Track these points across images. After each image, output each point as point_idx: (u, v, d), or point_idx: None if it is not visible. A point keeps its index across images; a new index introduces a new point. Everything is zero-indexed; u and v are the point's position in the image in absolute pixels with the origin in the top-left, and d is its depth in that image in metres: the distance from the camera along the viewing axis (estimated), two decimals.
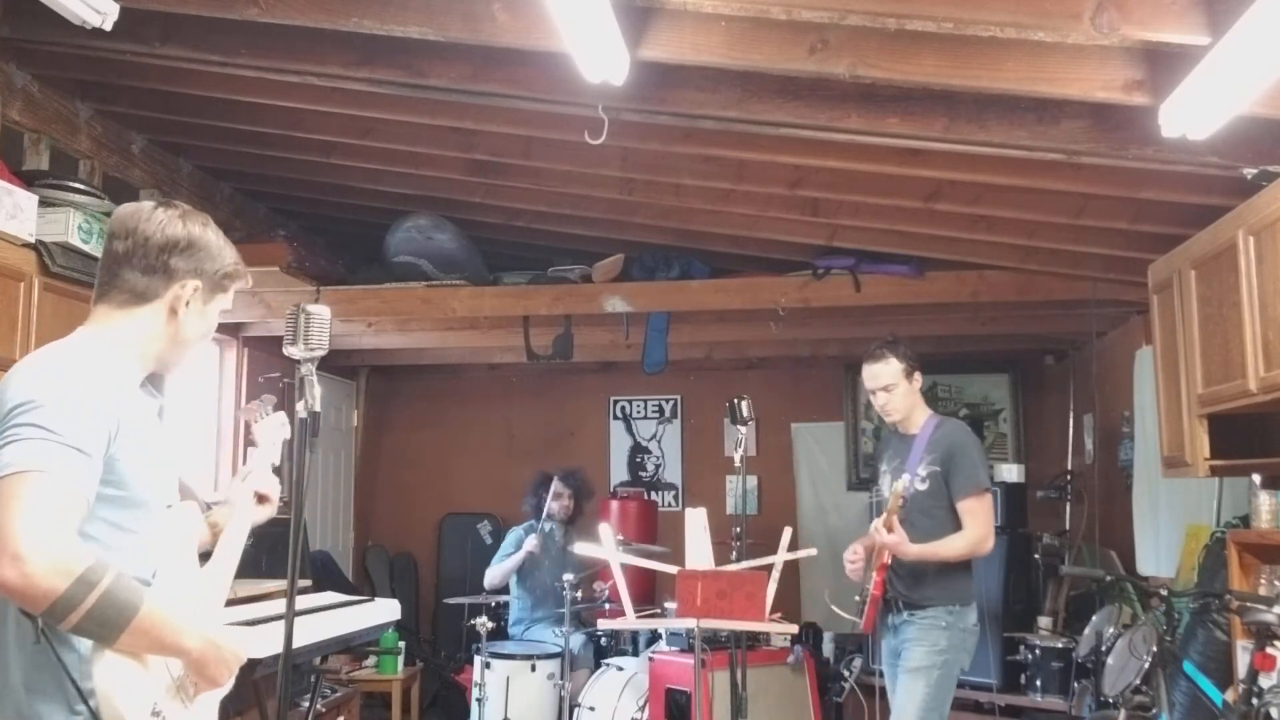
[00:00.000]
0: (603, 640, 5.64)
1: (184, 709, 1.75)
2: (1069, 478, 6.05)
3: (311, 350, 2.17)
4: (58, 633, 1.58)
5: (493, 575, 5.78)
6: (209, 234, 1.86)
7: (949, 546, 3.52)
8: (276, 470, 2.26)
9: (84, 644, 1.63)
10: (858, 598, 3.75)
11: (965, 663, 3.57)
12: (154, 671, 1.69)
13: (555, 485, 6.03)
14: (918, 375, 3.73)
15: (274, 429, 2.27)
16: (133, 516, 1.72)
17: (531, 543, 5.67)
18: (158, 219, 1.80)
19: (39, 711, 1.62)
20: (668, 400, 7.86)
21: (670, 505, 7.60)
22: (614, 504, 6.93)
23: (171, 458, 1.89)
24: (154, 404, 1.87)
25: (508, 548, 5.96)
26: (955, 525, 3.57)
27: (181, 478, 1.99)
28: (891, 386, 3.68)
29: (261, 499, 2.17)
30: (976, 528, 3.53)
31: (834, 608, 3.97)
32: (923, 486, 3.60)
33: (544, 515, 6.02)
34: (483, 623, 5.15)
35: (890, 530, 3.50)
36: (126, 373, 1.80)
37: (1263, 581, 3.56)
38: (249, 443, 2.30)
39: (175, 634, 1.66)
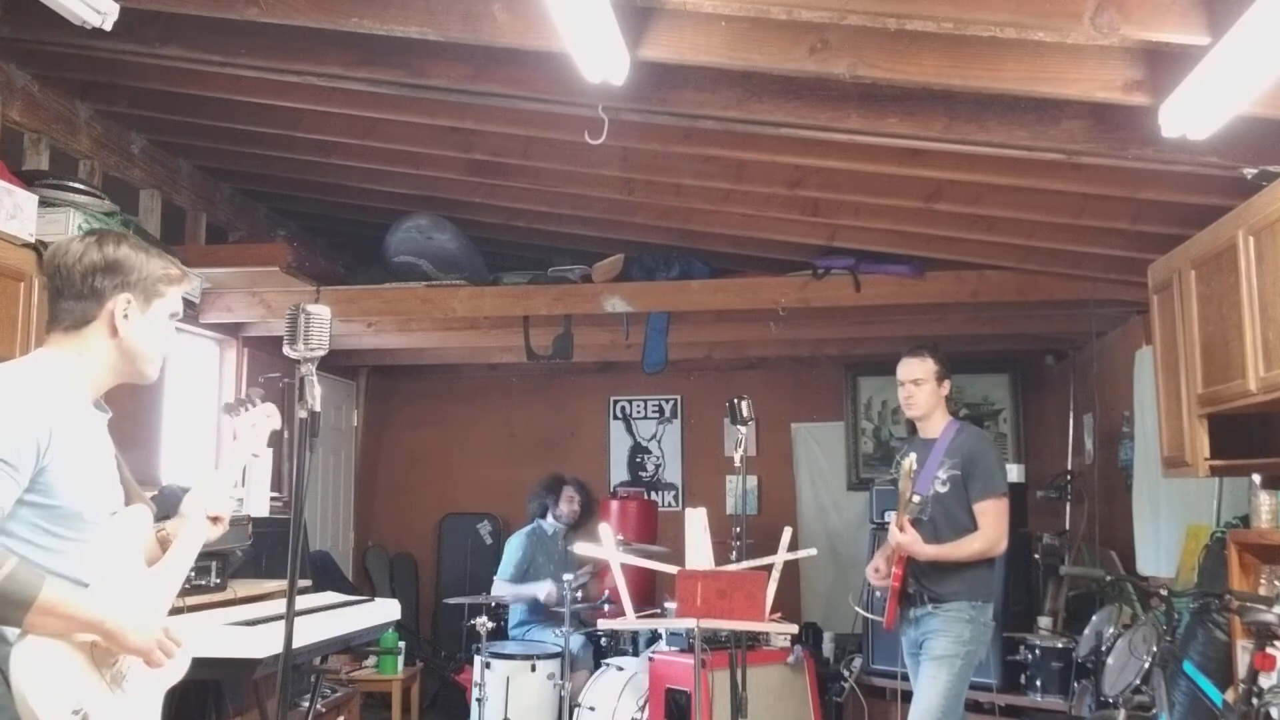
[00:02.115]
0: (603, 640, 5.64)
1: (116, 698, 1.85)
2: (1069, 478, 6.06)
3: (311, 350, 2.18)
4: None
5: (502, 593, 5.76)
6: (124, 250, 1.97)
7: (963, 548, 3.63)
8: (255, 457, 2.31)
9: (8, 633, 1.74)
10: (879, 594, 3.86)
11: (983, 654, 3.71)
12: (80, 671, 1.79)
13: (568, 489, 6.07)
14: (947, 383, 3.87)
15: (260, 421, 2.31)
16: (68, 526, 1.84)
17: (551, 593, 5.62)
18: (74, 251, 1.95)
19: None
20: (668, 400, 7.86)
21: (670, 505, 7.60)
22: (614, 504, 6.93)
23: (111, 469, 1.98)
24: (103, 418, 1.98)
25: (515, 553, 5.94)
26: (975, 527, 3.67)
27: (130, 482, 2.07)
28: (921, 382, 3.82)
29: (214, 520, 2.19)
30: (990, 530, 3.64)
31: (858, 609, 4.03)
32: (944, 489, 3.71)
33: (550, 516, 6.04)
34: (483, 623, 5.15)
35: (903, 530, 3.63)
36: (72, 389, 1.92)
37: (1263, 581, 3.56)
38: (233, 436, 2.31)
39: (81, 609, 1.78)
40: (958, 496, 3.70)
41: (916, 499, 3.70)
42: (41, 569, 1.77)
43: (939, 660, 3.60)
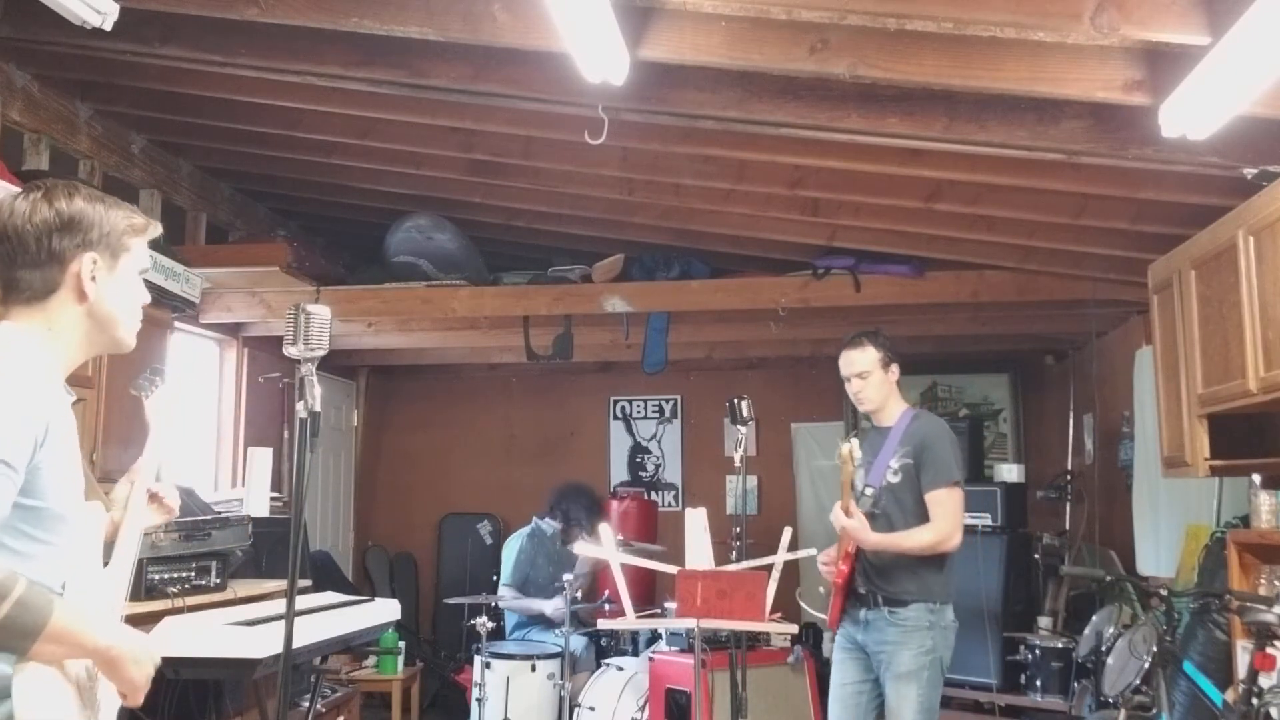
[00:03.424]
0: (603, 640, 5.64)
1: None
2: (1069, 478, 6.05)
3: (311, 350, 2.17)
4: None
5: (507, 602, 5.71)
6: (79, 203, 1.73)
7: (913, 538, 3.40)
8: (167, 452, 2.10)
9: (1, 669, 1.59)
10: (822, 589, 3.68)
11: (948, 659, 3.47)
12: (71, 699, 1.66)
13: (598, 526, 5.92)
14: (895, 368, 3.62)
15: (165, 403, 2.11)
16: (48, 528, 1.66)
17: (559, 610, 5.47)
18: (20, 210, 1.69)
19: None
20: (668, 400, 7.86)
21: (670, 505, 7.60)
22: (614, 504, 6.93)
23: (80, 460, 1.80)
24: (70, 401, 1.77)
25: (515, 557, 5.89)
26: (928, 520, 3.45)
27: (89, 474, 1.89)
28: (866, 374, 3.58)
29: (166, 510, 2.06)
30: (944, 521, 3.40)
31: (803, 605, 3.88)
32: (896, 479, 3.50)
33: (569, 525, 5.97)
34: (483, 623, 5.15)
35: (849, 514, 3.43)
36: (52, 372, 1.72)
37: (1263, 581, 3.56)
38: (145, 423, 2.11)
39: (90, 635, 1.62)
40: (910, 487, 3.46)
41: (869, 490, 3.51)
42: None
43: (905, 677, 3.36)
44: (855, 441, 3.46)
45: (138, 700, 1.73)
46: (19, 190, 1.77)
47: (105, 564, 1.93)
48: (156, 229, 1.86)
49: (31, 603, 1.51)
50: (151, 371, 2.11)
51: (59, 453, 1.65)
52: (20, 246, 1.69)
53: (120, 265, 1.77)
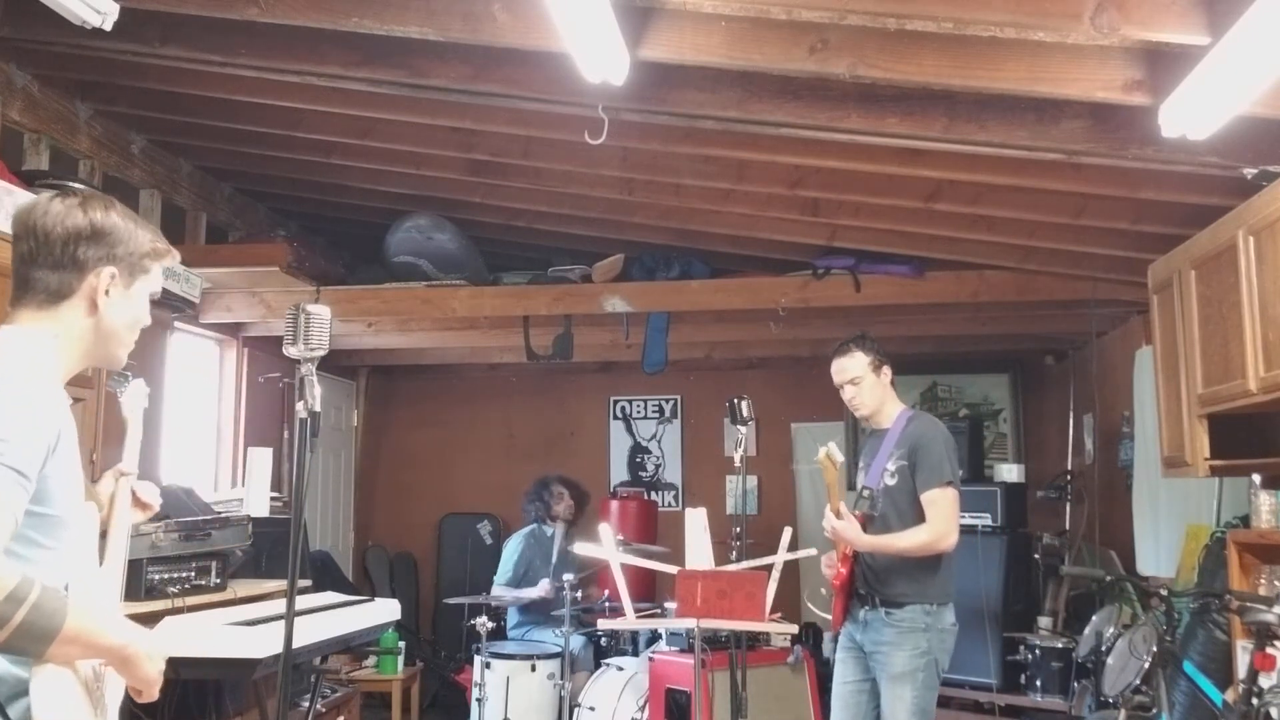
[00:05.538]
0: (603, 640, 5.64)
1: None
2: (1069, 478, 6.05)
3: (311, 350, 2.18)
4: None
5: (500, 597, 5.75)
6: (113, 217, 1.74)
7: (906, 539, 3.39)
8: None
9: (12, 671, 1.60)
10: (824, 591, 3.68)
11: (945, 662, 3.46)
12: (81, 698, 1.67)
13: (556, 488, 6.07)
14: (886, 369, 3.62)
15: (137, 399, 2.17)
16: (52, 534, 1.67)
17: (545, 588, 5.61)
18: (55, 211, 1.70)
19: None
20: (668, 400, 7.86)
21: (670, 505, 7.60)
22: (614, 504, 6.94)
23: (79, 464, 1.78)
24: (68, 403, 1.76)
25: (512, 556, 5.94)
26: (924, 521, 3.43)
27: (83, 476, 1.88)
28: (858, 380, 3.58)
29: (144, 506, 2.10)
30: (938, 521, 3.38)
31: (811, 606, 3.89)
32: (892, 482, 3.50)
33: (549, 517, 6.04)
34: (483, 623, 5.15)
35: (839, 516, 3.42)
36: (58, 378, 1.73)
37: (1263, 581, 3.56)
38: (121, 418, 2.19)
39: (104, 635, 1.63)
40: (905, 489, 3.46)
41: (867, 493, 3.51)
42: None
43: (899, 678, 3.36)
44: (833, 444, 3.47)
45: (153, 695, 1.74)
46: (57, 190, 1.78)
47: (100, 563, 1.95)
48: (176, 257, 1.89)
49: (47, 606, 1.51)
50: (124, 369, 2.09)
51: (66, 459, 1.66)
52: (45, 246, 1.69)
53: (135, 285, 1.79)
